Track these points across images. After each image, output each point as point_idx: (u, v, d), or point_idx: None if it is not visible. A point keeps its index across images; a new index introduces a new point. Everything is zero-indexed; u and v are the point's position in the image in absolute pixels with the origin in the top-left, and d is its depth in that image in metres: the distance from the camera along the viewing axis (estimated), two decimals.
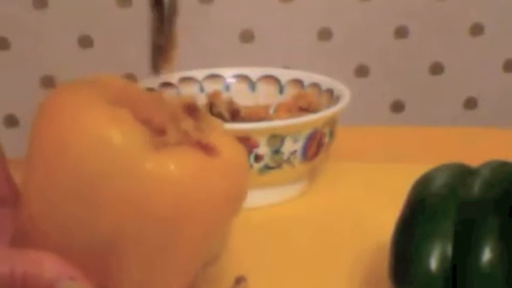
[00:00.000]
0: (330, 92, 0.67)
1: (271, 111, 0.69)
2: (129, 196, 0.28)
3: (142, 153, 0.28)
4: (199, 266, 0.32)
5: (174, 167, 0.29)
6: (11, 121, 1.21)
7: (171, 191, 0.29)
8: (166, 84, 0.69)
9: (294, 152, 0.60)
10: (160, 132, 0.30)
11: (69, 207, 0.29)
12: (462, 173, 0.46)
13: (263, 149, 0.59)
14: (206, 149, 0.31)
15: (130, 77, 1.08)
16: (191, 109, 0.32)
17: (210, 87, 0.70)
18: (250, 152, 0.59)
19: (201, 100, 0.68)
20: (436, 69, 1.24)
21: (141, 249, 0.29)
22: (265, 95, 0.71)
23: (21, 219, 0.30)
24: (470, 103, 1.26)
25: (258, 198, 0.62)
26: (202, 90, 0.70)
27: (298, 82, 0.70)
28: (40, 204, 0.30)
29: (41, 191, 0.29)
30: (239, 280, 0.51)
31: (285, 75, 0.71)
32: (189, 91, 0.69)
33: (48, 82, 1.17)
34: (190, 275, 0.32)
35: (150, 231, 0.29)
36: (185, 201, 0.29)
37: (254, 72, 0.72)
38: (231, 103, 0.68)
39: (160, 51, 0.31)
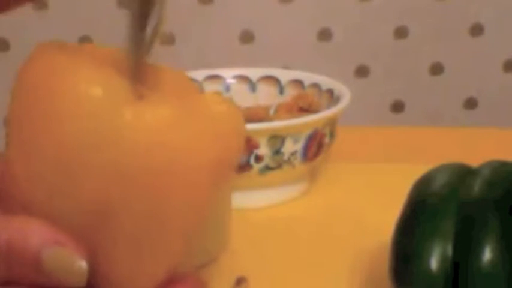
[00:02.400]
0: (330, 92, 0.67)
1: (271, 111, 0.69)
2: (112, 162, 0.27)
3: (123, 115, 0.27)
4: (190, 243, 0.31)
5: (159, 128, 0.27)
6: None
7: (155, 155, 0.27)
8: None
9: (294, 153, 0.60)
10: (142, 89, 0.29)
11: (51, 174, 0.28)
12: (462, 173, 0.46)
13: (263, 150, 0.59)
14: (196, 109, 0.29)
15: None
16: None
17: (210, 87, 0.70)
18: (250, 152, 0.59)
19: None
20: (436, 69, 1.24)
21: (129, 219, 0.28)
22: (266, 95, 0.71)
23: (6, 183, 0.29)
24: (470, 103, 1.26)
25: (258, 199, 0.62)
26: (202, 91, 0.70)
27: (298, 82, 0.70)
28: (25, 172, 0.29)
29: (26, 156, 0.29)
30: (240, 281, 0.51)
31: (285, 75, 0.71)
32: None
33: None
34: (180, 251, 0.31)
35: (136, 199, 0.28)
36: (171, 165, 0.28)
37: (254, 73, 0.72)
38: None
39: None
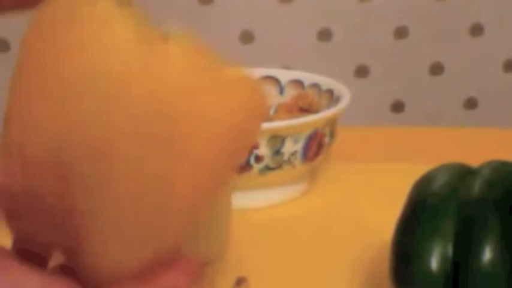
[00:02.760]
0: (330, 92, 0.67)
1: (271, 112, 0.69)
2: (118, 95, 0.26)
3: (136, 52, 0.26)
4: (185, 225, 0.29)
5: (171, 72, 0.26)
6: None
7: (166, 100, 0.26)
8: None
9: (294, 153, 0.60)
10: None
11: (57, 98, 0.27)
12: (462, 173, 0.46)
13: (263, 150, 0.59)
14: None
15: None
16: None
17: None
18: (250, 152, 0.59)
19: None
20: (436, 69, 1.24)
21: (131, 161, 0.26)
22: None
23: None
24: (470, 103, 1.26)
25: (258, 199, 0.62)
26: None
27: (298, 83, 0.70)
28: (27, 92, 0.28)
29: (27, 87, 0.28)
30: (240, 281, 0.51)
31: (285, 75, 0.71)
32: None
33: None
34: (173, 232, 0.29)
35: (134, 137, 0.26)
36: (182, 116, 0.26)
37: (254, 73, 0.72)
38: None
39: None
